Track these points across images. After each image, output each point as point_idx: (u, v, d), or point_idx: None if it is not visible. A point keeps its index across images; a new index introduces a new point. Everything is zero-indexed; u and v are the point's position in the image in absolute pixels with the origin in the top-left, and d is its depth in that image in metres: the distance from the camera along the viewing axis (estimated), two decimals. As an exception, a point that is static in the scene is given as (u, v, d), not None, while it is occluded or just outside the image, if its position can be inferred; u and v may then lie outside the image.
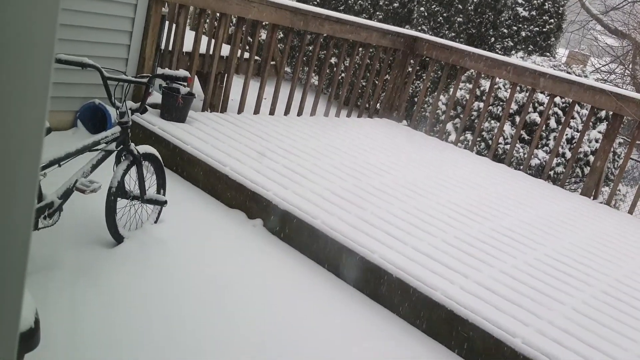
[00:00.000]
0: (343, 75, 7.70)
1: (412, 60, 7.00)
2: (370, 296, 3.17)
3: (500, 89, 7.36)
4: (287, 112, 5.92)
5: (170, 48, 5.08)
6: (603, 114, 7.09)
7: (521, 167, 6.47)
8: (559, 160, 7.08)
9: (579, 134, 6.65)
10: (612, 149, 6.00)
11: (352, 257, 3.24)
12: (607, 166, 7.10)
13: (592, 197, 5.77)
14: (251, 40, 5.65)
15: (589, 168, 6.71)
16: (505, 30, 9.19)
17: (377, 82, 7.23)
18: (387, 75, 7.24)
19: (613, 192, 5.70)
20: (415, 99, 8.75)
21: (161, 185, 3.25)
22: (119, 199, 2.90)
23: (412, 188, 4.51)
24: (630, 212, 5.56)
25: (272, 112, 5.76)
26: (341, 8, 10.29)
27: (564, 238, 4.27)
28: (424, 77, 7.45)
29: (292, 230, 3.52)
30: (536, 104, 7.17)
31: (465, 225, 3.98)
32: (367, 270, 3.18)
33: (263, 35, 9.02)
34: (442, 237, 3.65)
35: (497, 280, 3.25)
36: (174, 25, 5.41)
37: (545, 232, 4.28)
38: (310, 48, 9.01)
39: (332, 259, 3.34)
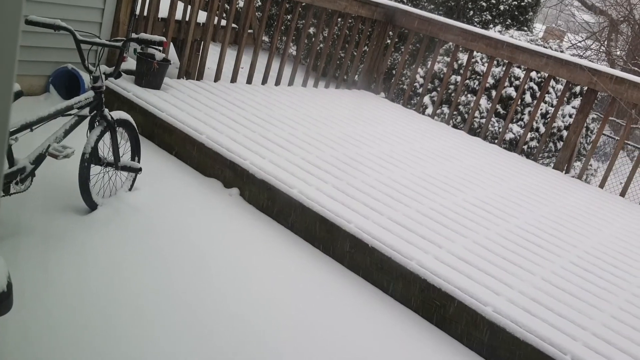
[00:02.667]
0: (321, 45, 7.63)
1: (390, 32, 6.97)
2: (347, 266, 3.20)
3: (478, 62, 7.38)
4: (264, 82, 5.87)
5: (145, 13, 4.96)
6: (578, 89, 7.17)
7: (496, 140, 6.54)
8: (533, 135, 7.16)
9: (553, 109, 6.73)
10: (585, 125, 6.09)
11: (327, 227, 3.26)
12: (580, 141, 7.21)
13: (564, 171, 5.87)
14: (228, 7, 5.54)
15: (562, 143, 6.80)
16: (483, 4, 9.18)
17: (355, 53, 7.19)
18: (366, 47, 7.20)
19: (585, 167, 5.80)
20: (394, 71, 8.73)
21: (135, 153, 3.21)
22: (92, 165, 2.86)
23: (388, 159, 4.53)
24: (601, 186, 5.67)
25: (249, 81, 5.71)
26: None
27: (536, 210, 4.34)
28: (403, 50, 7.43)
29: (268, 200, 3.52)
30: (512, 79, 7.21)
31: (439, 197, 4.02)
32: (343, 240, 3.21)
33: (241, 2, 8.87)
34: (416, 207, 3.69)
35: (470, 250, 3.31)
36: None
37: (517, 205, 4.35)
38: (289, 17, 8.90)
39: (309, 229, 3.35)
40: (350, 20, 6.60)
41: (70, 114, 2.76)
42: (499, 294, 2.92)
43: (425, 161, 4.79)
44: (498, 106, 7.10)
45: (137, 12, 4.94)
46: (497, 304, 2.82)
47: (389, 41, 7.12)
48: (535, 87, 7.23)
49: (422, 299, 2.96)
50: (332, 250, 3.26)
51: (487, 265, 3.19)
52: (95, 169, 2.96)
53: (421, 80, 7.72)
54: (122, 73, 3.09)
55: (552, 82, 7.11)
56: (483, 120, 6.99)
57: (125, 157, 3.18)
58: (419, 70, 7.75)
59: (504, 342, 2.72)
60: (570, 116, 7.13)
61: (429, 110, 7.39)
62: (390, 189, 3.89)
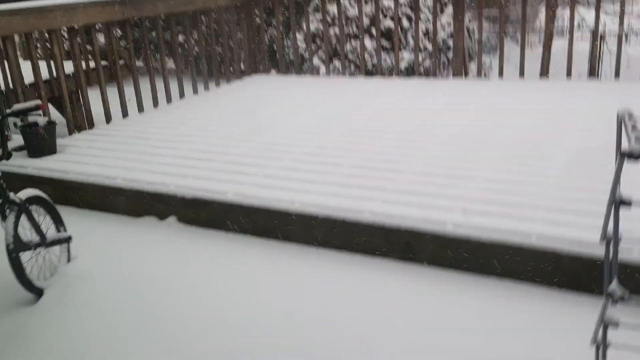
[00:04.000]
0: (196, 49, 7.50)
1: (256, 11, 6.93)
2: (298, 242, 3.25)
3: (348, 9, 7.46)
4: (155, 105, 5.73)
5: (11, 86, 4.72)
6: (446, -2, 7.40)
7: (394, 73, 6.68)
8: (425, 55, 7.36)
9: (432, 24, 6.92)
10: (464, 27, 6.29)
11: (272, 216, 3.28)
12: (466, 44, 7.47)
13: (463, 76, 6.09)
14: (90, 47, 5.35)
15: (451, 52, 7.03)
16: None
17: (232, 44, 7.11)
18: (240, 34, 7.14)
19: (479, 65, 6.03)
20: (275, 46, 8.70)
21: (58, 223, 3.09)
22: (21, 253, 2.73)
23: (304, 130, 4.55)
24: (500, 74, 5.92)
25: (141, 110, 5.55)
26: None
27: (454, 124, 4.50)
28: (275, 23, 7.40)
29: (207, 213, 3.48)
30: (384, 11, 7.35)
31: (366, 145, 4.10)
32: (292, 222, 3.23)
33: (102, 38, 8.56)
34: (349, 163, 3.75)
35: (413, 182, 3.41)
36: (5, 62, 5.02)
37: (435, 123, 4.49)
38: (154, 34, 8.67)
39: (259, 225, 3.35)
40: (214, 15, 6.51)
41: (-25, 213, 2.62)
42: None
43: (337, 118, 4.85)
44: (382, 41, 7.23)
45: (3, 87, 4.69)
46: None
47: (258, 20, 7.08)
48: (409, 11, 7.40)
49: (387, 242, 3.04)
50: (283, 235, 3.28)
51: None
52: (26, 255, 2.83)
53: (304, 45, 7.74)
54: (12, 152, 2.94)
55: (422, 0, 7.29)
56: (375, 60, 7.12)
57: (51, 232, 3.05)
58: (298, 35, 7.77)
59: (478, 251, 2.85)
60: (449, 24, 7.37)
61: (322, 70, 7.45)
62: (320, 156, 3.93)
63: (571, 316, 2.48)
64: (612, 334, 1.69)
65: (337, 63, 7.56)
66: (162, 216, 3.61)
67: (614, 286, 1.51)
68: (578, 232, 2.71)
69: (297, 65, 6.91)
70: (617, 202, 1.49)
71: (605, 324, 1.61)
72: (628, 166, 2.96)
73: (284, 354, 2.33)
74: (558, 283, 2.71)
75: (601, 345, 1.66)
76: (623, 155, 1.39)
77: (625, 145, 1.45)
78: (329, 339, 2.41)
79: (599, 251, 2.58)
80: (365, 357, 2.31)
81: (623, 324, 1.59)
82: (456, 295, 2.71)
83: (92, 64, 5.71)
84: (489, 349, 2.32)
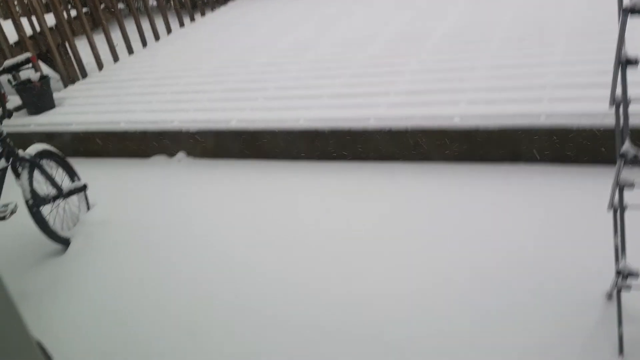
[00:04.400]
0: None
1: None
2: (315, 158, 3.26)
3: None
4: (144, 44, 5.61)
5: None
6: None
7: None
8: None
9: None
10: None
11: (278, 137, 3.28)
12: None
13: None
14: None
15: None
16: None
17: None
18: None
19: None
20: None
21: (71, 173, 3.11)
22: (41, 207, 2.78)
23: (290, 50, 4.47)
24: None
25: (130, 52, 5.45)
26: None
27: (448, 17, 4.38)
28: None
29: (214, 144, 3.48)
30: None
31: (358, 54, 4.02)
32: (298, 139, 3.24)
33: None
34: (349, 72, 3.70)
35: (413, 82, 3.37)
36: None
37: (428, 19, 4.38)
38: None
39: (265, 148, 3.35)
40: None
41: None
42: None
43: (328, 30, 4.74)
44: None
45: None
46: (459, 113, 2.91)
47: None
48: None
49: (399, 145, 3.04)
50: (293, 155, 3.29)
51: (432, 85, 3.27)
52: (46, 209, 2.88)
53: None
54: (12, 112, 2.92)
55: None
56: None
57: (66, 183, 3.08)
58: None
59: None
60: None
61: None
62: (317, 70, 3.87)
63: (590, 187, 2.50)
64: (628, 197, 1.71)
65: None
66: (170, 153, 3.62)
67: (627, 147, 1.51)
68: (587, 105, 2.69)
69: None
70: (623, 62, 1.46)
71: (620, 185, 1.62)
72: (633, 26, 2.89)
73: (315, 268, 2.40)
74: (573, 159, 2.71)
75: (618, 209, 1.69)
76: (625, 11, 1.35)
77: (626, 0, 1.41)
78: (354, 248, 2.47)
79: (610, 120, 2.57)
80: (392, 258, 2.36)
81: (638, 184, 1.61)
82: (476, 186, 2.73)
83: (73, 13, 5.55)
84: (518, 228, 2.36)
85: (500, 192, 2.62)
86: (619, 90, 1.58)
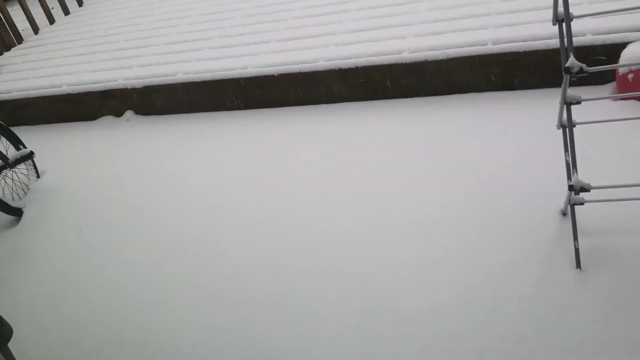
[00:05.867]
0: None
1: None
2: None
3: None
4: (80, 4, 5.34)
5: None
6: None
7: None
8: None
9: None
10: None
11: (227, 86, 3.21)
12: None
13: None
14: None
15: None
16: None
17: None
18: None
19: None
20: None
21: (16, 142, 2.99)
22: (-14, 179, 2.68)
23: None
24: None
25: (66, 12, 5.19)
26: None
27: None
28: None
29: (162, 99, 3.39)
30: None
31: None
32: (247, 86, 3.18)
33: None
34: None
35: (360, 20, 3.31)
36: None
37: None
38: None
39: (216, 98, 3.28)
40: None
41: None
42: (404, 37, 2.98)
43: None
44: None
45: None
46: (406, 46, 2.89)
47: None
48: None
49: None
50: (244, 103, 3.23)
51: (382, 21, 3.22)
52: (-7, 181, 2.78)
53: None
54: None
55: None
56: None
57: (11, 152, 2.97)
58: None
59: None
60: None
61: None
62: (260, 15, 3.77)
63: (540, 107, 2.53)
64: (577, 116, 1.74)
65: None
66: (118, 113, 3.51)
67: (572, 61, 1.52)
68: (532, 28, 2.69)
69: None
70: (562, -23, 1.45)
71: (567, 102, 1.64)
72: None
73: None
74: (522, 84, 2.73)
75: (567, 126, 1.71)
76: None
77: None
78: (333, 186, 2.46)
79: (555, 41, 2.59)
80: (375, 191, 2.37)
81: (584, 100, 1.63)
82: (424, 117, 2.74)
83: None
84: (472, 154, 2.39)
85: (453, 120, 2.64)
86: (561, 8, 1.57)
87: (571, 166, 1.77)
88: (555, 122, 2.13)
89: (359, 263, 2.02)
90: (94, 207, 2.72)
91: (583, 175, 1.89)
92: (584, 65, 1.51)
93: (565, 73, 1.53)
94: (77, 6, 5.32)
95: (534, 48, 2.63)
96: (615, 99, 2.45)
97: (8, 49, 4.76)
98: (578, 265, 1.83)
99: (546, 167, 2.19)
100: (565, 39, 1.59)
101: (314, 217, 2.28)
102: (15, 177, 2.97)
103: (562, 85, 1.63)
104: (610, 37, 2.51)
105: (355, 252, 2.07)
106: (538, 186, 2.14)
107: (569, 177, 1.79)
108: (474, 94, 2.81)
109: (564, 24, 1.58)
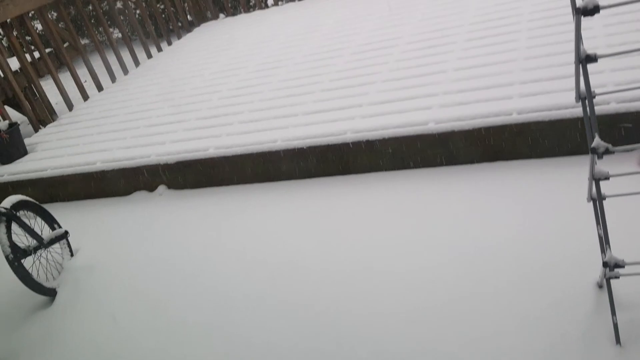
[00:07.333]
0: (138, 13, 7.24)
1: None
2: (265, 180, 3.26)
3: None
4: (113, 80, 5.58)
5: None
6: None
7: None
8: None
9: None
10: None
11: (257, 160, 3.27)
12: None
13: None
14: (30, 37, 5.15)
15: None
16: None
17: (171, -3, 6.87)
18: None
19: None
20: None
21: (51, 221, 3.07)
22: (22, 260, 2.74)
23: (259, 71, 4.46)
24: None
25: (100, 89, 5.41)
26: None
27: (411, 23, 4.42)
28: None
29: (194, 174, 3.47)
30: None
31: (327, 68, 4.04)
32: (278, 159, 3.23)
33: (38, 26, 8.23)
34: (321, 87, 3.71)
35: (384, 91, 3.38)
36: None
37: (393, 26, 4.41)
38: (90, 8, 8.35)
39: (246, 172, 3.34)
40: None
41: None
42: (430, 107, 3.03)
43: (294, 47, 4.75)
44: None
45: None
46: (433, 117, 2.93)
47: (192, -34, 6.79)
48: None
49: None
50: (274, 176, 3.29)
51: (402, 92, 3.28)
52: (29, 260, 2.84)
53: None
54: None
55: None
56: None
57: (46, 231, 3.04)
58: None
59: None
60: None
61: (270, 1, 7.21)
62: (288, 89, 3.88)
63: (568, 177, 2.52)
64: (606, 187, 1.73)
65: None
66: (151, 188, 3.59)
67: (597, 141, 1.52)
68: (557, 98, 2.71)
69: (244, 2, 6.69)
70: (582, 60, 1.48)
71: (596, 179, 1.64)
72: (589, 21, 2.94)
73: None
74: (548, 151, 2.74)
75: (597, 200, 1.70)
76: (579, 11, 1.37)
77: (579, 1, 1.43)
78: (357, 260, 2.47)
79: (579, 109, 2.60)
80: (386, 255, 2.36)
81: (612, 175, 1.63)
82: (453, 187, 2.74)
83: (37, 54, 5.51)
84: (504, 224, 2.38)
85: (483, 191, 2.64)
86: (583, 85, 1.59)
87: (604, 241, 1.75)
88: (585, 189, 2.12)
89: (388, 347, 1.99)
90: (127, 287, 2.75)
91: (618, 246, 1.86)
92: (609, 146, 1.52)
93: (592, 153, 1.54)
94: (111, 82, 5.54)
95: (558, 117, 2.64)
96: (645, 167, 2.44)
97: (43, 123, 4.95)
98: (618, 341, 1.78)
99: (579, 237, 2.16)
100: (590, 117, 1.60)
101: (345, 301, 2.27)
102: (49, 256, 3.04)
103: (590, 162, 1.63)
104: (635, 105, 2.51)
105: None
106: (571, 256, 2.11)
107: (603, 252, 1.77)
108: (501, 162, 2.81)
109: (587, 102, 1.60)
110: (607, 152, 1.53)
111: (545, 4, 3.84)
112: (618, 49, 2.92)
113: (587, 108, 1.59)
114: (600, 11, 1.37)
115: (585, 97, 1.58)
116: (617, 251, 1.78)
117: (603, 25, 3.23)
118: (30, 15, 5.04)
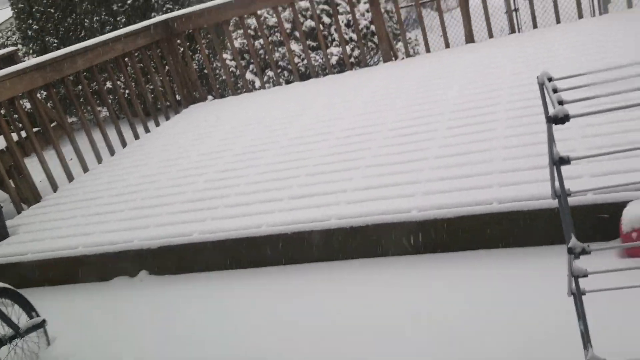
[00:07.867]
0: (127, 93, 7.40)
1: (178, 40, 6.85)
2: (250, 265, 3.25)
3: (267, 18, 7.47)
4: (99, 160, 5.61)
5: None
6: (359, -15, 7.47)
7: (326, 71, 6.71)
8: (352, 46, 7.42)
9: (350, 15, 6.98)
10: (381, 11, 6.32)
11: (241, 245, 3.27)
12: (389, 26, 7.56)
13: (394, 59, 6.16)
14: (17, 115, 5.22)
15: (376, 37, 7.10)
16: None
17: (161, 80, 7.04)
18: (168, 67, 7.06)
19: (405, 44, 6.12)
20: (205, 71, 8.64)
21: (29, 308, 3.00)
22: (-3, 350, 2.66)
23: (245, 154, 4.52)
24: (427, 51, 6.02)
25: (85, 169, 5.43)
26: (82, 35, 9.71)
27: (394, 110, 4.56)
28: (199, 49, 7.36)
29: (177, 259, 3.44)
30: (303, 12, 7.39)
31: (312, 152, 4.12)
32: (261, 245, 3.23)
33: (27, 104, 8.35)
34: (313, 170, 3.77)
35: (368, 177, 3.44)
36: None
37: (376, 112, 4.54)
38: (80, 88, 8.52)
39: (229, 257, 3.33)
40: (137, 55, 6.42)
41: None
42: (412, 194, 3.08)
43: (280, 130, 4.85)
44: (309, 42, 7.26)
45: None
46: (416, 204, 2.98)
47: (181, 49, 7.01)
48: (326, 7, 7.46)
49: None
50: (256, 261, 3.27)
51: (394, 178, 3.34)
52: (3, 351, 2.75)
53: (233, 63, 7.72)
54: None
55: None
56: (306, 62, 7.14)
57: (23, 319, 2.97)
58: (225, 55, 7.73)
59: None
60: (367, 11, 7.45)
61: (257, 83, 7.44)
62: (274, 172, 3.92)
63: (547, 267, 2.53)
64: (585, 283, 1.75)
65: (270, 73, 7.55)
66: (132, 274, 3.54)
67: (573, 242, 1.56)
68: (538, 188, 2.77)
69: (232, 85, 6.88)
70: (556, 163, 1.53)
71: (574, 275, 1.66)
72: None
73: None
74: (527, 241, 2.77)
75: (577, 295, 1.72)
76: (549, 119, 1.44)
77: (550, 109, 1.49)
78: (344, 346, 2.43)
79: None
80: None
81: (591, 273, 1.65)
82: (427, 277, 2.75)
83: (23, 133, 5.55)
84: (477, 318, 2.37)
85: (464, 278, 2.65)
86: (558, 185, 1.64)
87: (585, 338, 1.75)
88: (564, 283, 2.13)
89: None
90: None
91: (602, 339, 1.85)
92: (585, 247, 1.55)
93: (569, 253, 1.57)
94: (97, 163, 5.57)
95: (537, 207, 2.70)
96: (623, 256, 2.48)
97: (26, 202, 4.92)
98: None
99: (561, 331, 2.16)
100: (566, 216, 1.64)
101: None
102: (25, 346, 2.95)
103: (567, 260, 1.65)
104: (612, 196, 2.58)
105: None
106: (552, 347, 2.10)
107: (585, 348, 1.76)
108: (482, 251, 2.84)
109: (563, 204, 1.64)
110: (584, 252, 1.56)
111: (523, 94, 3.98)
112: (594, 145, 3.01)
113: (563, 207, 1.63)
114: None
115: (560, 195, 1.62)
116: (597, 346, 1.77)
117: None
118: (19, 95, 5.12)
